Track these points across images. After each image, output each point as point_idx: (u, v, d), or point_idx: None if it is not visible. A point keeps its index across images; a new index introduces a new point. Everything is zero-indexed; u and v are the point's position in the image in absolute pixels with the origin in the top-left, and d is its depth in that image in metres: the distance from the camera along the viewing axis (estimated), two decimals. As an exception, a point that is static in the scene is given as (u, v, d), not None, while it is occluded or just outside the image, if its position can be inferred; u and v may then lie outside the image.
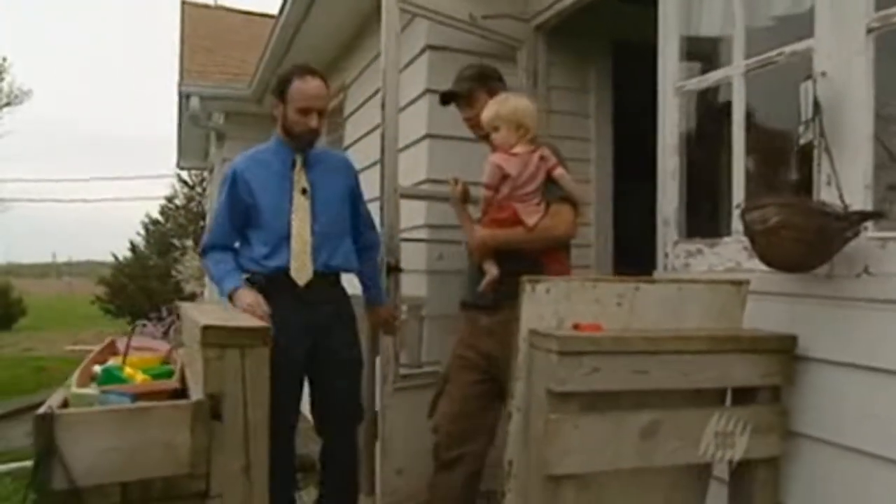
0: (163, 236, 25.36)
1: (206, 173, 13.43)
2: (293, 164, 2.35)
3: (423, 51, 3.15)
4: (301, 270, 2.28)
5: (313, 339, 2.32)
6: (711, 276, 2.05)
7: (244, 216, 2.33)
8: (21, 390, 7.90)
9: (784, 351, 1.77)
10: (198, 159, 9.59)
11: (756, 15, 2.10)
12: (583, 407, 1.59)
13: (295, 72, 2.35)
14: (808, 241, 1.64)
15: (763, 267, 1.78)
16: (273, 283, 2.28)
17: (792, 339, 1.77)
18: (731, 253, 2.04)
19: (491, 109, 2.24)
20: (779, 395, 1.78)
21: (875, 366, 1.60)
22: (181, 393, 1.45)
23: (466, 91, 2.44)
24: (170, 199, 26.43)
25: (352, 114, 4.45)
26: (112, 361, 1.62)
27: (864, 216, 1.61)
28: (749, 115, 2.05)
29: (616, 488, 1.69)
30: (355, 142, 4.34)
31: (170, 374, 1.63)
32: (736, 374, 1.73)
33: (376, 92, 3.54)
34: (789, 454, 1.79)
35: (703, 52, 2.30)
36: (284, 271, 2.27)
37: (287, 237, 2.28)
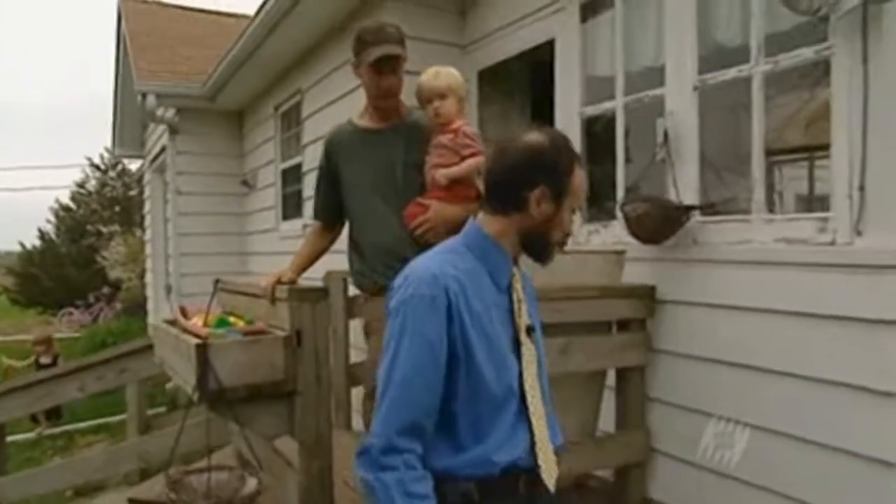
0: (76, 223, 24.54)
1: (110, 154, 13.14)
2: (510, 286, 1.39)
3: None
4: (550, 464, 1.38)
5: None
6: (603, 247, 2.97)
7: (448, 378, 1.28)
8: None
9: (648, 296, 2.71)
10: (134, 148, 9.80)
11: (634, 63, 3.00)
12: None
13: (573, 152, 1.36)
14: (660, 224, 2.58)
15: (635, 241, 2.70)
16: (496, 494, 1.32)
17: (653, 288, 2.72)
18: (616, 231, 2.96)
19: (441, 79, 2.18)
20: (644, 324, 2.73)
21: (703, 301, 2.56)
22: (263, 332, 2.19)
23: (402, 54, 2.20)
24: (81, 185, 25.55)
25: (310, 116, 5.11)
26: (213, 314, 2.30)
27: (691, 207, 2.56)
28: (626, 136, 2.98)
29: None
30: (314, 141, 5.01)
31: (229, 323, 2.34)
32: (617, 311, 2.66)
33: (343, 95, 4.29)
34: (652, 362, 2.75)
35: (596, 88, 3.19)
36: (525, 471, 1.34)
37: (522, 413, 1.36)
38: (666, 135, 2.68)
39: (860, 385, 2.03)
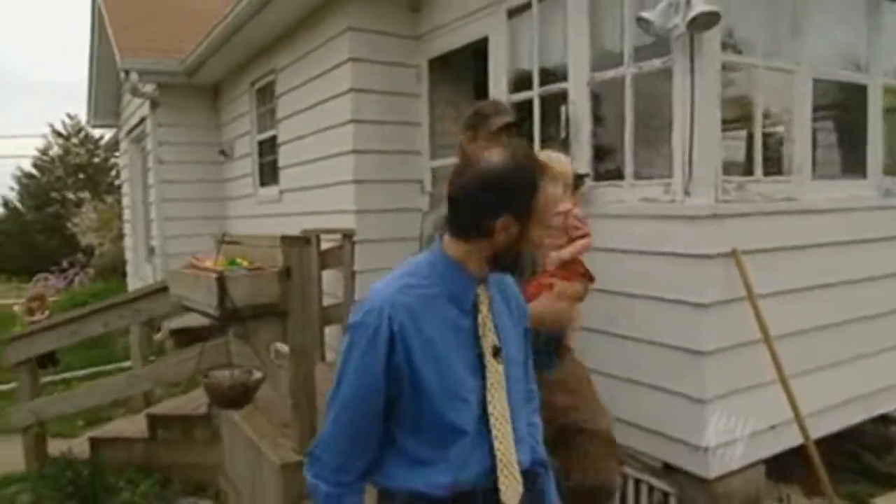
0: (40, 190, 24.49)
1: (88, 125, 13.36)
2: (474, 306, 1.40)
3: (346, 61, 4.60)
4: (512, 485, 1.40)
5: None
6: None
7: (391, 407, 1.36)
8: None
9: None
10: (108, 118, 10.24)
11: (547, 60, 3.78)
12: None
13: (537, 171, 1.37)
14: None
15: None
16: None
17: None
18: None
19: (553, 165, 2.35)
20: (552, 264, 3.56)
21: (607, 247, 3.38)
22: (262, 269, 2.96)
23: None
24: (44, 152, 25.42)
25: (284, 94, 5.77)
26: (220, 260, 3.05)
27: (585, 175, 3.39)
28: (542, 119, 3.77)
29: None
30: (288, 116, 5.69)
31: (237, 263, 3.09)
32: (530, 254, 3.49)
33: (314, 77, 4.98)
34: (557, 294, 3.60)
35: (520, 79, 3.97)
36: (482, 493, 1.37)
37: (484, 435, 1.37)
38: (567, 119, 3.49)
39: (685, 300, 2.91)
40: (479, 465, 1.35)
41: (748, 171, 3.20)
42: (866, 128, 3.62)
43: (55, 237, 21.11)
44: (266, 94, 6.35)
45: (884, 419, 5.04)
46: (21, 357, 4.00)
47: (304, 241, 2.90)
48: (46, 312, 8.28)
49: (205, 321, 4.46)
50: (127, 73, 6.74)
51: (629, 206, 3.19)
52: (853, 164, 3.77)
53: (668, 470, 3.09)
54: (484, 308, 1.39)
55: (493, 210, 1.31)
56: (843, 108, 3.96)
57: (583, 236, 2.35)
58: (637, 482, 3.23)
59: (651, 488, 3.17)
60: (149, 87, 7.24)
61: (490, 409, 1.37)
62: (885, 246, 3.57)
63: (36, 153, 25.16)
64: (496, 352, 1.39)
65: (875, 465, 3.98)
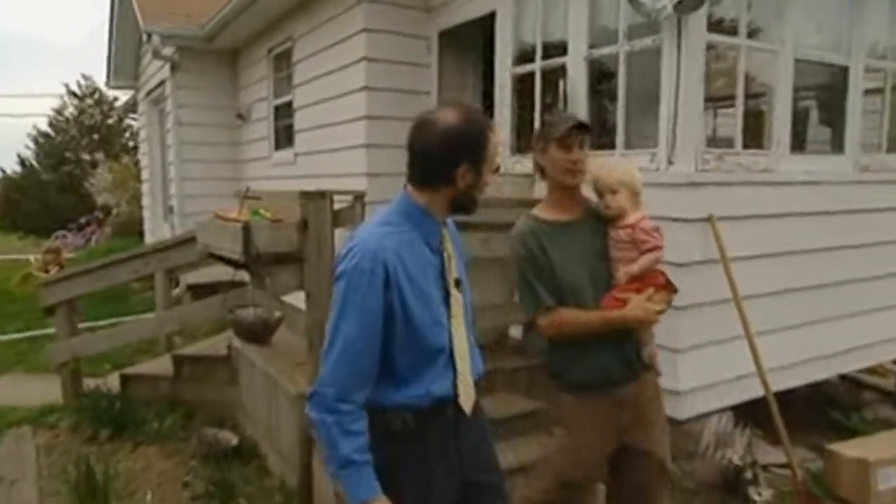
0: (55, 149, 24.85)
1: (107, 87, 13.58)
2: (441, 245, 1.68)
3: (360, 31, 4.85)
4: (469, 393, 1.70)
5: (460, 474, 1.74)
6: (521, 172, 4.08)
7: (387, 335, 1.58)
8: None
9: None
10: (127, 80, 10.51)
11: (549, 35, 4.03)
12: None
13: (483, 123, 1.63)
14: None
15: (541, 167, 3.82)
16: (428, 421, 1.65)
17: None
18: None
19: (613, 174, 2.22)
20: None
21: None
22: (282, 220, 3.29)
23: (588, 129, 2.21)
24: (59, 112, 25.71)
25: (300, 61, 6.03)
26: (244, 212, 3.38)
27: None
28: (543, 91, 4.04)
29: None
30: (304, 83, 5.96)
31: (261, 214, 3.42)
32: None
33: (329, 46, 5.24)
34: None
35: (524, 52, 4.22)
36: (452, 400, 1.67)
37: (447, 352, 1.66)
38: (566, 93, 3.75)
39: (665, 260, 3.19)
40: (446, 380, 1.65)
41: (730, 144, 3.47)
42: (845, 107, 3.86)
43: (71, 196, 21.51)
44: (283, 61, 6.60)
45: (858, 384, 5.39)
46: (60, 298, 4.37)
47: (319, 195, 3.21)
48: (57, 269, 8.68)
49: (220, 276, 4.83)
50: (149, 36, 7.00)
51: (618, 174, 3.48)
52: (832, 140, 4.02)
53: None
54: (448, 246, 1.68)
55: (454, 161, 1.57)
56: (826, 88, 4.20)
57: (652, 248, 2.20)
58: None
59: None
60: (168, 50, 7.50)
61: (453, 331, 1.65)
62: (857, 218, 3.85)
63: (51, 113, 25.42)
64: (457, 283, 1.69)
65: (842, 422, 4.32)
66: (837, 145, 3.96)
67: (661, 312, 2.21)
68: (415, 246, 1.61)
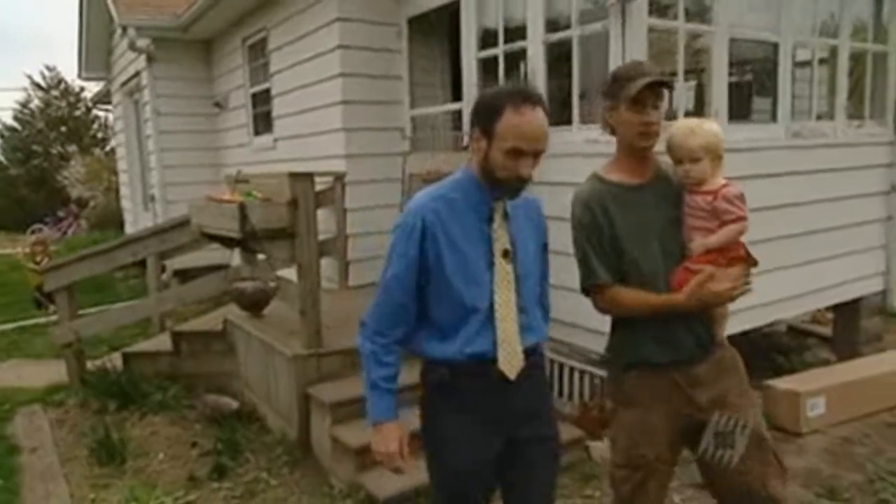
0: (22, 143, 24.49)
1: (78, 78, 13.51)
2: (490, 217, 1.80)
3: (334, 20, 5.14)
4: (513, 358, 1.81)
5: (506, 437, 1.86)
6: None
7: (424, 284, 1.79)
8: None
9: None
10: (99, 71, 10.58)
11: (510, 21, 4.37)
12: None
13: (507, 99, 1.69)
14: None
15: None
16: (463, 378, 1.80)
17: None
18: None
19: (697, 138, 1.95)
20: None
21: (545, 180, 4.07)
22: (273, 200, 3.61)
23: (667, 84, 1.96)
24: (24, 105, 25.28)
25: (275, 50, 6.28)
26: (237, 193, 3.68)
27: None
28: (506, 73, 4.39)
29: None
30: (280, 71, 6.22)
31: (253, 195, 3.73)
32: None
33: (304, 35, 5.52)
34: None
35: (487, 37, 4.55)
36: (489, 360, 1.79)
37: (489, 315, 1.78)
38: (526, 74, 4.11)
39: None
40: (486, 342, 1.78)
41: (671, 116, 3.87)
42: (777, 80, 4.29)
43: (41, 190, 21.32)
44: (258, 50, 6.84)
45: (804, 333, 5.92)
46: (62, 282, 4.64)
47: (307, 176, 3.54)
48: (46, 260, 8.84)
49: (202, 262, 5.11)
50: (125, 28, 7.17)
51: (576, 146, 3.86)
52: (766, 110, 4.45)
53: (603, 360, 3.85)
54: (498, 217, 1.80)
55: (471, 124, 1.78)
56: (762, 62, 4.62)
57: (736, 220, 1.94)
58: (581, 372, 4.00)
59: (592, 376, 3.95)
60: (143, 42, 7.65)
61: (496, 297, 1.78)
62: (788, 179, 4.29)
63: (16, 106, 24.99)
64: (505, 253, 1.80)
65: (783, 364, 4.81)
66: (773, 115, 4.39)
67: (734, 290, 1.92)
68: (458, 208, 1.77)
